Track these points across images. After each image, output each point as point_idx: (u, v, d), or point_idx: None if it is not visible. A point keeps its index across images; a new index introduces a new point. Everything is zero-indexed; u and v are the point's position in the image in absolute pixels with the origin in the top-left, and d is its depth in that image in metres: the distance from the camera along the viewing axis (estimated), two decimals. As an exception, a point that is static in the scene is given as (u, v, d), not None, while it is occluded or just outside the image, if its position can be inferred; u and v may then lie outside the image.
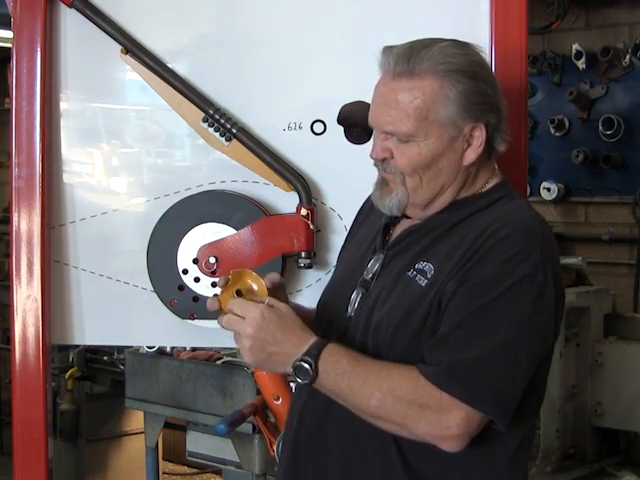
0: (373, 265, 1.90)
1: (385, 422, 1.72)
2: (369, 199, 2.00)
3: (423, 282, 1.78)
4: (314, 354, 1.73)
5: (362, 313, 1.86)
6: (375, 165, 1.86)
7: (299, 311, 1.88)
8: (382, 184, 1.86)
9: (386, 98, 1.79)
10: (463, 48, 1.80)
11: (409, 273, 1.81)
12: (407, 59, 1.77)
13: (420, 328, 1.75)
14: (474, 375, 1.67)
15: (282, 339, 1.76)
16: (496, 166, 1.88)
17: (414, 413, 1.68)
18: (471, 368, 1.68)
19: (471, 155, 1.80)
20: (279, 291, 1.90)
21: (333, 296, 1.97)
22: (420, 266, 1.80)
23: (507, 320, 1.69)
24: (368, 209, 2.03)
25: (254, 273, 1.84)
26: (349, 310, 1.89)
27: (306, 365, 1.72)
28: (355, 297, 1.89)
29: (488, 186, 1.85)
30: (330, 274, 2.27)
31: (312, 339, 1.76)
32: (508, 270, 1.70)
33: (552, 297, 1.73)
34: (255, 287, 1.83)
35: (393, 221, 1.92)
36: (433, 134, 1.77)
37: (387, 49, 1.81)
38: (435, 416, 1.68)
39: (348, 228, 2.25)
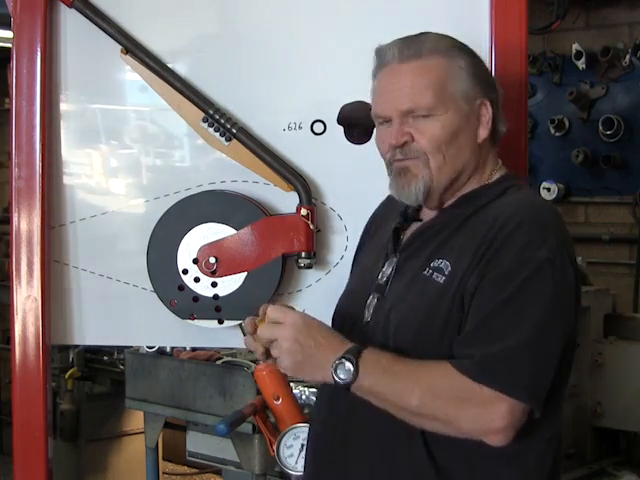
0: (387, 269, 1.90)
1: (429, 420, 1.71)
2: (379, 208, 2.05)
3: (441, 279, 1.78)
4: (355, 352, 1.73)
5: (380, 317, 1.86)
6: (389, 160, 1.86)
7: None
8: (401, 174, 1.85)
9: (398, 82, 1.83)
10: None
11: (425, 272, 1.80)
12: (408, 46, 1.84)
13: (443, 328, 1.74)
14: (510, 366, 1.67)
15: (324, 342, 1.76)
16: (499, 159, 1.91)
17: (454, 409, 1.68)
18: (505, 359, 1.67)
19: (483, 132, 1.84)
20: None
21: (348, 304, 1.97)
22: (436, 264, 1.79)
23: (533, 308, 1.69)
24: (380, 218, 2.05)
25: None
26: (366, 315, 1.89)
27: (348, 363, 1.71)
28: (370, 302, 1.90)
29: (494, 178, 1.87)
30: (330, 274, 2.28)
31: (351, 343, 1.76)
32: (526, 257, 1.70)
33: (572, 279, 1.75)
34: None
35: (403, 225, 1.93)
36: (450, 108, 1.81)
37: (381, 47, 1.87)
38: (477, 410, 1.67)
39: (348, 229, 2.27)
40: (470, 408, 1.67)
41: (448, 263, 1.78)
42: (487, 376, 1.66)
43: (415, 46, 1.83)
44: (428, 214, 1.91)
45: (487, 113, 1.83)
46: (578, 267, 1.80)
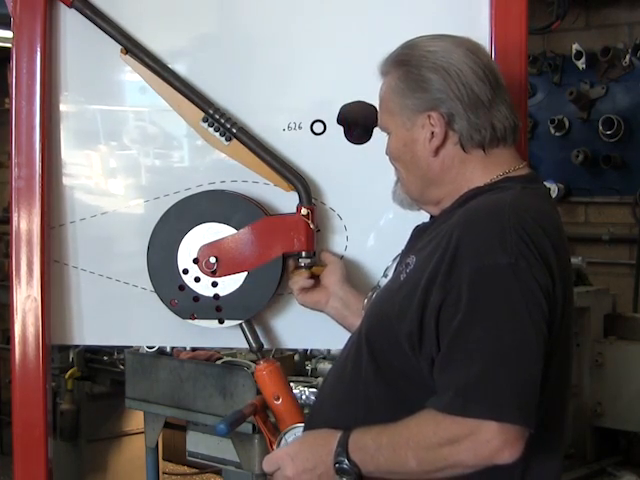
0: (391, 266, 1.96)
1: (438, 472, 1.67)
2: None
3: (403, 276, 1.79)
4: (342, 452, 1.73)
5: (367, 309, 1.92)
6: None
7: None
8: (396, 182, 1.96)
9: None
10: (433, 39, 1.84)
11: (400, 268, 1.84)
12: (385, 59, 1.88)
13: (393, 324, 1.74)
14: (487, 390, 1.60)
15: (316, 458, 1.78)
16: (522, 162, 1.85)
17: (451, 451, 1.62)
18: (481, 384, 1.60)
19: (433, 144, 1.81)
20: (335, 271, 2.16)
21: None
22: (408, 260, 1.81)
23: (501, 323, 1.62)
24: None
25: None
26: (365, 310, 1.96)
27: (344, 465, 1.72)
28: (369, 298, 1.95)
29: (497, 179, 1.82)
30: (330, 274, 2.28)
31: (336, 438, 1.75)
32: (485, 266, 1.63)
33: (543, 281, 1.65)
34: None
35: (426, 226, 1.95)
36: (396, 124, 1.85)
37: None
38: (470, 442, 1.60)
39: (348, 229, 2.27)
40: (463, 443, 1.61)
41: (414, 259, 1.79)
42: (467, 408, 1.60)
43: (383, 62, 1.88)
44: None
45: (436, 126, 1.79)
46: (564, 263, 1.71)
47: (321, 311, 2.19)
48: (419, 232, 1.93)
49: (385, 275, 2.03)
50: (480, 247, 1.65)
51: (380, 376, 1.78)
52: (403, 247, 1.99)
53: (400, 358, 1.73)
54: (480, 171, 1.82)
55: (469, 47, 1.82)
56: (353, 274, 2.23)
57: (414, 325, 1.70)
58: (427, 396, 1.67)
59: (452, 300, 1.65)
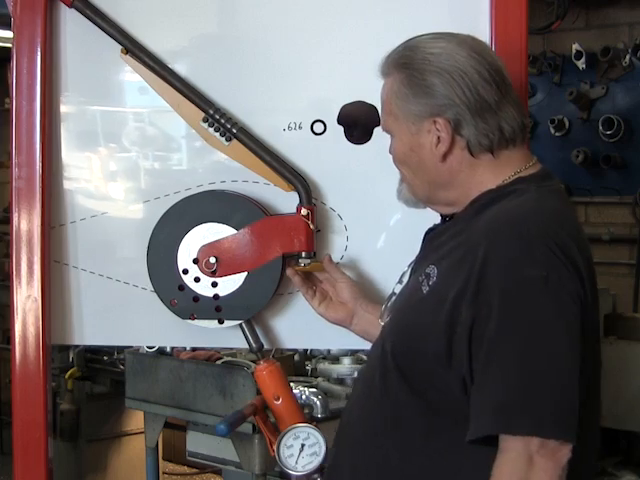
0: (407, 272, 1.93)
1: None
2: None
3: (425, 289, 1.74)
4: None
5: (389, 319, 1.89)
6: None
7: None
8: (401, 182, 1.92)
9: None
10: (436, 40, 1.80)
11: (420, 278, 1.78)
12: (386, 58, 1.84)
13: (425, 339, 1.69)
14: (526, 406, 1.57)
15: None
16: (532, 159, 1.84)
17: None
18: (519, 400, 1.57)
19: (440, 150, 1.77)
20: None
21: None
22: (428, 270, 1.77)
23: (531, 335, 1.58)
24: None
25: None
26: (385, 317, 1.93)
27: None
28: (386, 305, 1.94)
29: (509, 180, 1.79)
30: (330, 274, 2.28)
31: None
32: (516, 280, 1.60)
33: (575, 290, 1.61)
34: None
35: (435, 228, 1.92)
36: (401, 128, 1.82)
37: None
38: (532, 472, 1.56)
39: (348, 229, 2.26)
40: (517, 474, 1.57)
41: (436, 270, 1.74)
42: (511, 424, 1.57)
43: (384, 62, 1.84)
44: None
45: (442, 131, 1.76)
46: (588, 261, 1.67)
47: (347, 328, 2.16)
48: (433, 237, 1.89)
49: (400, 282, 1.98)
50: (508, 261, 1.62)
51: (411, 393, 1.73)
52: (417, 252, 1.95)
53: (429, 374, 1.70)
54: (490, 174, 1.79)
55: (473, 47, 1.78)
56: (354, 275, 2.23)
57: (442, 342, 1.66)
58: (459, 409, 1.65)
59: (483, 317, 1.61)
